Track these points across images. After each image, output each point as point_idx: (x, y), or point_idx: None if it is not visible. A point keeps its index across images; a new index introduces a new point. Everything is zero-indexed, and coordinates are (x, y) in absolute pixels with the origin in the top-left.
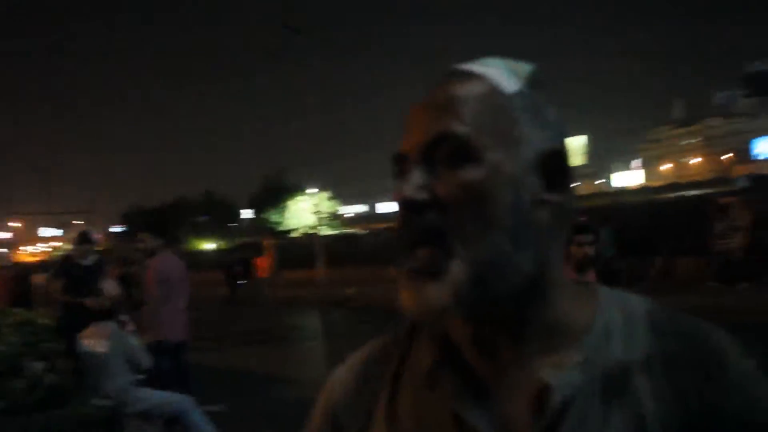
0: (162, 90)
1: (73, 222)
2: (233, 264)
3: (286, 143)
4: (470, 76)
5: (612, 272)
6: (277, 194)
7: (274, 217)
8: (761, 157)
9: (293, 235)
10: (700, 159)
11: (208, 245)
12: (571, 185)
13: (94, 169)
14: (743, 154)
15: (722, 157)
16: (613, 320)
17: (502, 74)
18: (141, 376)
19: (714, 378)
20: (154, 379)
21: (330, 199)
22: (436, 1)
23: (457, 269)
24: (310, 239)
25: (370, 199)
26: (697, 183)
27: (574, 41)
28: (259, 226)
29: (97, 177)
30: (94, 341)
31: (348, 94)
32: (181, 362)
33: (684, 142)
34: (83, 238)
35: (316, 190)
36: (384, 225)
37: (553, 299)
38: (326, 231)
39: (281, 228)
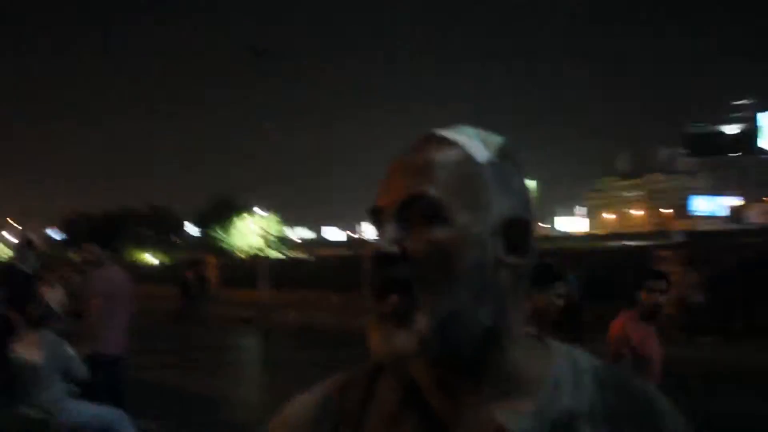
0: (112, 91)
1: (8, 219)
2: (188, 279)
3: (236, 163)
4: (447, 142)
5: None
6: (224, 212)
7: (219, 234)
8: (698, 214)
9: (239, 254)
10: (642, 212)
11: (150, 258)
12: (531, 249)
13: (33, 168)
14: (682, 209)
15: (662, 211)
16: (563, 373)
17: (474, 143)
18: (75, 389)
19: (650, 428)
20: (89, 392)
21: (278, 222)
22: (399, 39)
23: (423, 319)
24: (255, 260)
25: (317, 224)
26: (639, 234)
27: (524, 88)
28: (204, 242)
29: (34, 176)
30: (28, 350)
31: (302, 120)
32: (117, 377)
33: (627, 194)
34: (27, 244)
35: (263, 212)
36: (330, 251)
37: (510, 351)
38: (272, 254)
39: (227, 246)
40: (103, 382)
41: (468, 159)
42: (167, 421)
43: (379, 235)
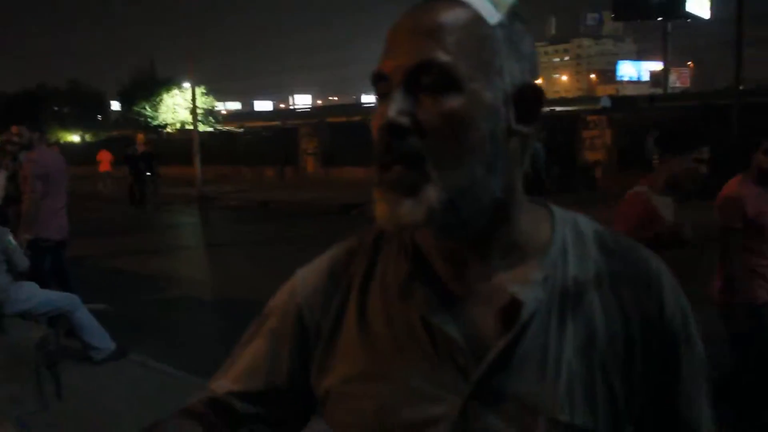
0: None
1: None
2: (137, 159)
3: (158, 33)
4: (455, 1)
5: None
6: (148, 87)
7: (147, 111)
8: (625, 79)
9: (168, 130)
10: (567, 77)
11: (74, 138)
12: (540, 118)
13: None
14: (610, 74)
15: (591, 76)
16: (567, 239)
17: (484, 3)
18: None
19: (653, 294)
20: (33, 277)
21: (205, 94)
22: None
23: (432, 192)
24: (185, 135)
25: (246, 97)
26: (567, 100)
27: None
28: (130, 119)
29: None
30: None
31: None
32: (60, 261)
33: (555, 60)
34: None
35: (188, 85)
36: (261, 123)
37: (516, 219)
38: (202, 128)
39: (155, 123)
40: (46, 267)
41: (479, 20)
42: (116, 302)
43: (386, 103)
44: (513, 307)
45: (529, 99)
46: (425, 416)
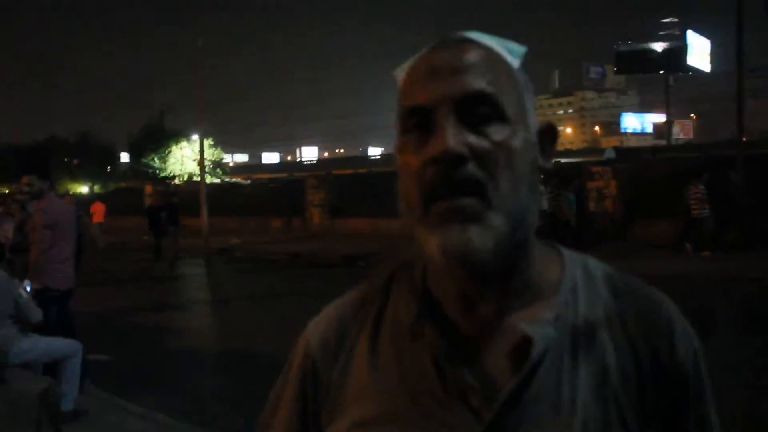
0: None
1: None
2: (158, 210)
3: (168, 87)
4: (476, 44)
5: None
6: (157, 139)
7: (154, 162)
8: (629, 131)
9: (176, 182)
10: (571, 129)
11: (84, 189)
12: (553, 156)
13: None
14: (613, 126)
15: (595, 128)
16: (577, 280)
17: (501, 49)
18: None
19: (663, 334)
20: (39, 327)
21: (213, 146)
22: None
23: (498, 218)
24: (193, 187)
25: (253, 149)
26: (572, 151)
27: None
28: (139, 171)
29: None
30: None
31: (238, 42)
32: (65, 311)
33: (559, 112)
34: None
35: (196, 137)
36: (268, 175)
37: (532, 257)
38: (209, 179)
39: (163, 174)
40: (52, 317)
41: (506, 62)
42: (120, 352)
43: (441, 135)
44: (524, 345)
45: (547, 137)
46: None
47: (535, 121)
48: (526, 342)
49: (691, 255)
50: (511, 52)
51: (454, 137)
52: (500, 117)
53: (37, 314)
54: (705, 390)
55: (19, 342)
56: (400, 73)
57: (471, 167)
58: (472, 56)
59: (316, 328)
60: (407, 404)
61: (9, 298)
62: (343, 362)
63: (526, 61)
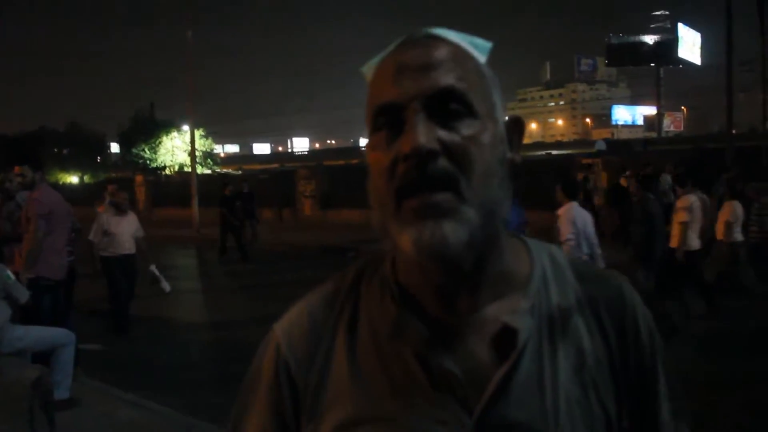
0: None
1: None
2: (233, 199)
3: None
4: (443, 41)
5: None
6: (147, 129)
7: (145, 153)
8: (620, 123)
9: (167, 172)
10: (562, 121)
11: (74, 179)
12: (520, 148)
13: None
14: (604, 118)
15: (586, 121)
16: (546, 268)
17: (468, 45)
18: (17, 313)
19: (629, 314)
20: (32, 316)
21: (204, 137)
22: None
23: (471, 212)
24: (183, 177)
25: (245, 139)
26: (563, 143)
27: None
28: (129, 161)
29: None
30: None
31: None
32: (59, 300)
33: (551, 104)
34: None
35: (187, 127)
36: (259, 166)
37: (503, 249)
38: (200, 170)
39: (154, 165)
40: (46, 306)
41: (474, 58)
42: (111, 342)
43: (412, 131)
44: (507, 335)
45: (515, 131)
46: None
47: (502, 115)
48: (508, 332)
49: None
50: (477, 48)
51: (424, 133)
52: (470, 112)
53: (24, 295)
54: (663, 370)
55: (11, 330)
56: (368, 71)
57: (442, 162)
58: (440, 53)
59: (286, 330)
60: (393, 402)
61: None
62: (320, 365)
63: (492, 56)
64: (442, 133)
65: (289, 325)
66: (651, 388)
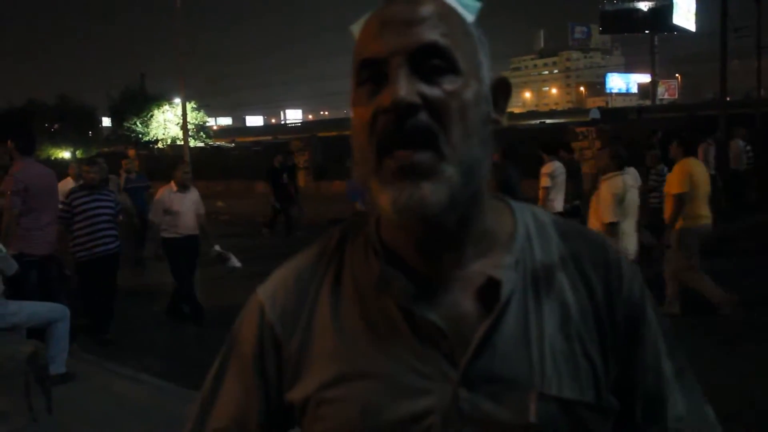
0: None
1: None
2: (280, 172)
3: (148, 49)
4: None
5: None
6: (139, 103)
7: (137, 127)
8: (614, 91)
9: (159, 146)
10: (556, 90)
11: (66, 154)
12: (506, 110)
13: None
14: (598, 87)
15: (580, 89)
16: (529, 227)
17: (456, 4)
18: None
19: (613, 270)
20: (18, 292)
21: (196, 109)
22: None
23: (450, 170)
24: (176, 151)
25: (237, 111)
26: (557, 112)
27: None
28: (121, 135)
29: None
30: None
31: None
32: (47, 276)
33: (544, 72)
34: None
35: (179, 100)
36: (252, 138)
37: (486, 207)
38: (193, 143)
39: (146, 139)
40: (33, 280)
41: (460, 16)
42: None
43: (393, 85)
44: (491, 289)
45: (500, 92)
46: (414, 410)
47: (489, 76)
48: (491, 286)
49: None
50: (466, 7)
51: (405, 87)
52: (453, 69)
53: (12, 267)
54: (653, 325)
55: (5, 305)
56: (356, 29)
57: (423, 116)
58: (426, 9)
59: (271, 293)
60: (377, 356)
61: None
62: (304, 325)
63: (484, 24)
64: (424, 87)
65: (273, 287)
66: (644, 342)
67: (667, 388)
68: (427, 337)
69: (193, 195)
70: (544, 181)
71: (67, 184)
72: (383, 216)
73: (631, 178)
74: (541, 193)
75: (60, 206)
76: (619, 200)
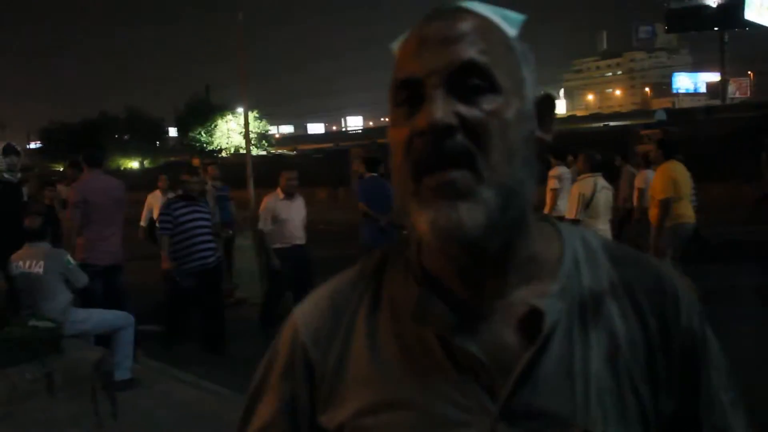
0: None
1: None
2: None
3: (213, 60)
4: (471, 14)
5: None
6: (203, 113)
7: (201, 136)
8: (681, 91)
9: (223, 155)
10: (620, 92)
11: (135, 164)
12: (554, 128)
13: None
14: (664, 87)
15: (645, 90)
16: (578, 252)
17: (498, 18)
18: (75, 295)
19: (669, 298)
20: (85, 302)
21: (258, 118)
22: None
23: (488, 193)
24: (239, 159)
25: (299, 119)
26: (621, 114)
27: None
28: (186, 144)
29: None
30: (29, 262)
31: (279, 12)
32: (113, 285)
33: (607, 74)
34: (9, 150)
35: (242, 110)
36: (313, 146)
37: (531, 232)
38: (255, 151)
39: (210, 148)
40: (99, 290)
41: (502, 31)
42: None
43: (430, 106)
44: (533, 319)
45: (545, 109)
46: None
47: (533, 92)
48: (534, 316)
49: None
50: (508, 21)
51: (442, 108)
52: (493, 88)
53: (83, 278)
54: (714, 355)
55: (74, 313)
56: (396, 47)
57: (460, 138)
58: (464, 25)
59: (306, 314)
60: (414, 386)
61: (58, 266)
62: (339, 349)
63: (522, 31)
64: (462, 108)
65: (309, 308)
66: (709, 374)
67: (732, 421)
68: (465, 367)
69: (299, 202)
70: (552, 184)
71: (155, 196)
72: (423, 240)
73: (603, 180)
74: (549, 195)
75: (161, 217)
76: (587, 200)
